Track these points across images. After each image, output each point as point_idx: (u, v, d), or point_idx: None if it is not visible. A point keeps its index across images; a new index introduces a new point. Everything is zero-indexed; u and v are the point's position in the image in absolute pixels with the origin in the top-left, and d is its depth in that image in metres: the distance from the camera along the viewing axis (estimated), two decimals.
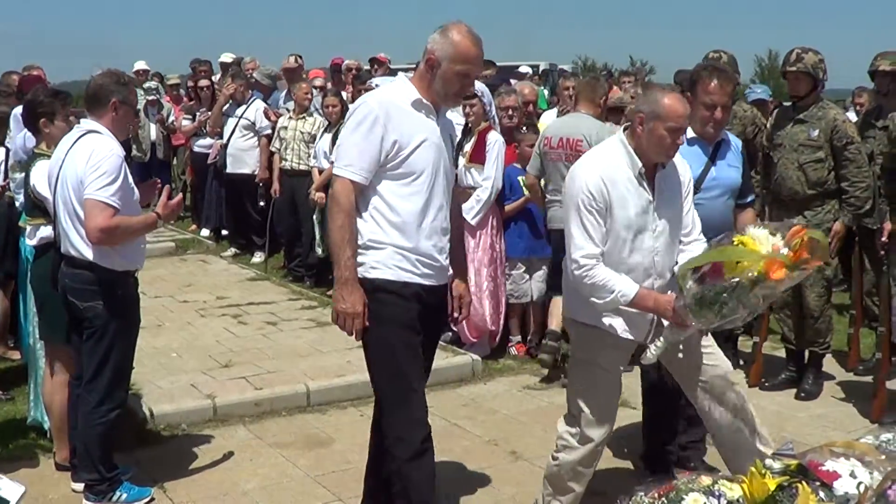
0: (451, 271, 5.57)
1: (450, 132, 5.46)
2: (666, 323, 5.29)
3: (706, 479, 4.01)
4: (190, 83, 17.54)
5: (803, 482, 3.79)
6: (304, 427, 6.29)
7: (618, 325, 5.42)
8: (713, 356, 5.60)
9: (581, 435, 5.59)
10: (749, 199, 6.76)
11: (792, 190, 8.23)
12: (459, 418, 6.97)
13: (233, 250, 14.85)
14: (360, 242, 5.18)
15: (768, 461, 4.04)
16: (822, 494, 3.79)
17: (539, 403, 8.23)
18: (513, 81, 14.49)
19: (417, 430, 5.22)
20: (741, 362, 9.31)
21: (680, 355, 5.56)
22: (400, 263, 5.19)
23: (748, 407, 5.68)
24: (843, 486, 3.83)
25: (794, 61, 8.19)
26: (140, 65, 20.36)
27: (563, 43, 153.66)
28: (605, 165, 5.32)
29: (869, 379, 9.10)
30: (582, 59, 70.75)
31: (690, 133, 6.34)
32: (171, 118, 17.21)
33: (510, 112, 9.92)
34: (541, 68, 26.80)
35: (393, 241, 5.18)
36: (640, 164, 5.30)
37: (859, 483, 3.80)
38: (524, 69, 21.39)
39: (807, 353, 8.73)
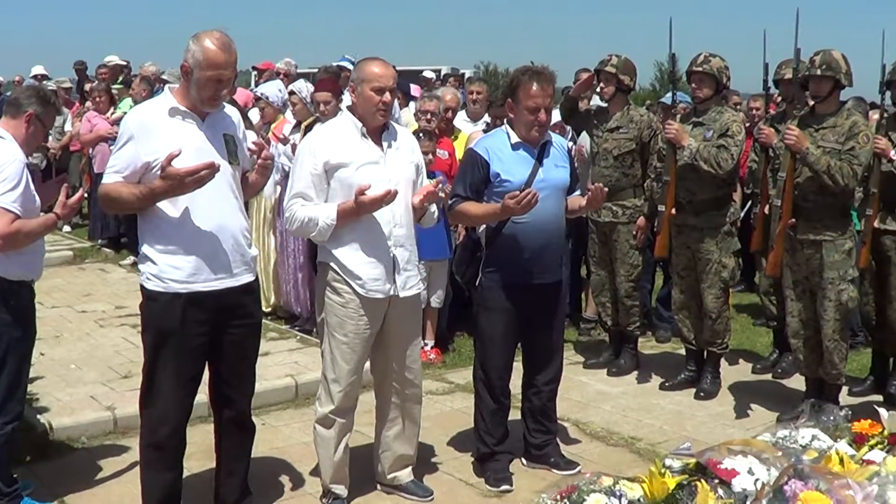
0: (251, 268, 5.75)
1: (224, 130, 5.63)
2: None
3: (607, 480, 4.06)
4: (87, 87, 17.29)
5: (702, 480, 3.85)
6: (207, 437, 6.22)
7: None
8: None
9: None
10: (576, 193, 6.93)
11: (690, 191, 8.33)
12: (362, 425, 6.92)
13: (131, 258, 14.58)
14: (141, 253, 5.54)
15: (668, 460, 4.10)
16: (720, 492, 3.86)
17: (441, 408, 8.23)
18: (413, 87, 14.44)
19: (159, 425, 5.58)
20: (638, 363, 9.50)
21: None
22: (170, 275, 5.44)
23: None
24: (741, 483, 3.90)
25: (701, 62, 8.33)
26: (38, 69, 20.01)
27: (464, 48, 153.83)
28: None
29: (767, 377, 9.28)
30: (484, 63, 71.11)
31: (515, 138, 6.54)
32: (68, 125, 16.94)
33: (428, 116, 9.95)
34: (442, 73, 26.86)
35: (166, 250, 5.44)
36: (360, 125, 5.97)
37: (757, 479, 3.87)
38: (428, 74, 21.42)
39: (705, 353, 8.84)
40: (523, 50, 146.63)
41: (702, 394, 8.63)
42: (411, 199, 6.10)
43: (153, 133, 5.36)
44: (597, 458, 7.16)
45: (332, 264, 5.97)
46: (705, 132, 8.27)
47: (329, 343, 6.08)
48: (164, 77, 15.27)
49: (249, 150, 5.78)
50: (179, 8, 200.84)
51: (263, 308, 10.70)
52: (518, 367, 6.98)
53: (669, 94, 9.26)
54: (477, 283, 6.73)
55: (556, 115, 10.12)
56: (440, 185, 6.26)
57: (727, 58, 8.43)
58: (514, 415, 7.07)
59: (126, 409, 7.72)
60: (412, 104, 11.98)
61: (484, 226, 6.74)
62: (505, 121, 6.87)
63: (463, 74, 29.44)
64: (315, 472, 6.55)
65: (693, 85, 8.48)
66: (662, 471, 3.95)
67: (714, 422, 8.02)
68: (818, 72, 7.47)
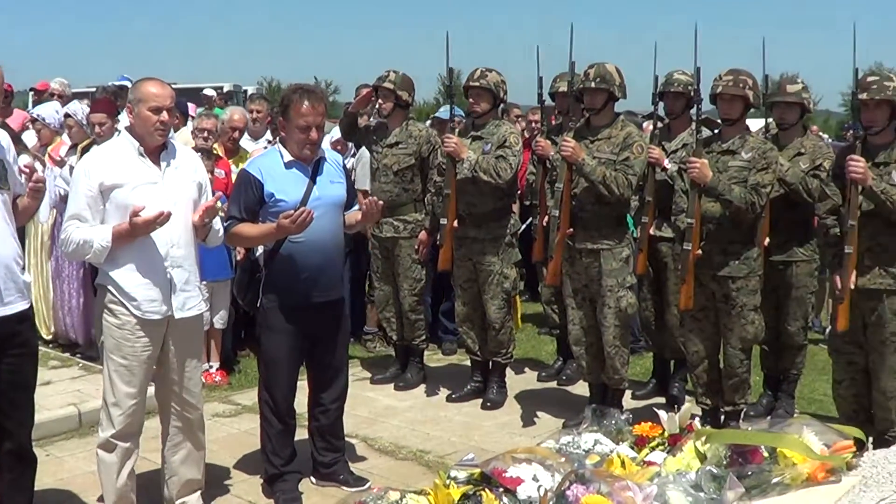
0: (24, 295, 5.58)
1: None
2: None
3: (394, 494, 4.04)
4: None
5: (486, 490, 3.86)
6: None
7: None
8: None
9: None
10: (353, 209, 6.93)
11: (471, 204, 8.41)
12: (149, 451, 6.78)
13: None
14: None
15: (453, 471, 4.11)
16: (505, 500, 3.88)
17: (229, 431, 8.10)
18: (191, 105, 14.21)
19: None
20: (425, 376, 9.54)
21: None
22: None
23: None
24: (525, 491, 3.93)
25: (478, 77, 8.43)
26: None
27: (247, 63, 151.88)
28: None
29: (552, 384, 9.43)
30: (267, 79, 70.67)
31: (288, 156, 6.50)
32: None
33: (205, 134, 9.80)
34: (224, 89, 26.58)
35: None
36: (138, 145, 5.85)
37: (540, 486, 3.91)
38: (208, 92, 21.09)
39: (491, 363, 8.93)
40: (307, 65, 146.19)
41: (489, 404, 8.71)
42: (192, 217, 5.99)
43: None
44: (386, 472, 7.14)
45: (108, 286, 5.81)
46: (484, 145, 8.36)
47: (108, 366, 5.90)
48: None
49: (22, 172, 5.59)
50: None
51: (44, 336, 10.37)
52: (304, 386, 6.92)
53: (444, 109, 9.33)
54: (258, 305, 6.66)
55: (338, 131, 10.15)
56: (219, 201, 6.15)
57: (504, 72, 8.55)
58: (302, 433, 7.01)
59: None
60: (190, 123, 11.79)
61: (262, 247, 6.67)
62: (277, 139, 6.81)
63: (245, 91, 29.24)
64: (101, 500, 6.36)
65: (471, 100, 8.56)
66: (447, 482, 3.96)
67: (501, 431, 8.11)
68: (592, 84, 7.63)
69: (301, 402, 6.93)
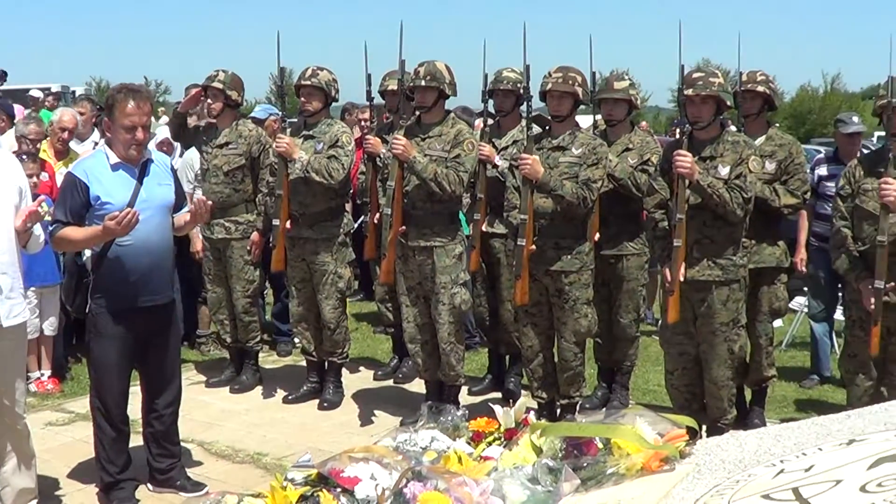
0: None
1: None
2: None
3: (231, 499, 4.00)
4: None
5: (324, 490, 3.84)
6: None
7: None
8: None
9: None
10: (184, 210, 6.84)
11: (304, 204, 8.35)
12: None
13: None
14: None
15: (290, 473, 4.07)
16: (344, 500, 3.86)
17: (62, 440, 7.91)
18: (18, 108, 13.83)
19: None
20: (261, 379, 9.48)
21: None
22: None
23: None
24: (363, 490, 3.91)
25: (309, 76, 8.39)
26: None
27: (73, 64, 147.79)
28: None
29: (389, 383, 9.46)
30: (96, 80, 69.24)
31: (114, 158, 6.37)
32: None
33: (31, 138, 9.56)
34: (52, 90, 25.97)
35: None
36: None
37: (377, 485, 3.90)
38: (35, 93, 20.58)
39: (327, 364, 8.91)
40: (137, 65, 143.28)
41: (325, 404, 8.70)
42: (14, 223, 5.81)
43: None
44: (224, 476, 7.07)
45: None
46: (316, 145, 8.32)
47: None
48: None
49: None
50: None
51: None
52: (137, 392, 6.80)
53: (260, 108, 9.25)
54: (87, 310, 6.51)
55: (164, 131, 10.00)
56: (44, 204, 5.99)
57: (336, 71, 8.52)
58: (137, 440, 6.89)
59: None
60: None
61: (90, 250, 6.53)
62: (103, 141, 6.66)
63: (73, 92, 28.63)
64: None
65: (302, 98, 8.51)
66: (285, 484, 3.93)
67: (339, 431, 8.10)
68: (423, 82, 7.65)
69: (135, 407, 6.82)
